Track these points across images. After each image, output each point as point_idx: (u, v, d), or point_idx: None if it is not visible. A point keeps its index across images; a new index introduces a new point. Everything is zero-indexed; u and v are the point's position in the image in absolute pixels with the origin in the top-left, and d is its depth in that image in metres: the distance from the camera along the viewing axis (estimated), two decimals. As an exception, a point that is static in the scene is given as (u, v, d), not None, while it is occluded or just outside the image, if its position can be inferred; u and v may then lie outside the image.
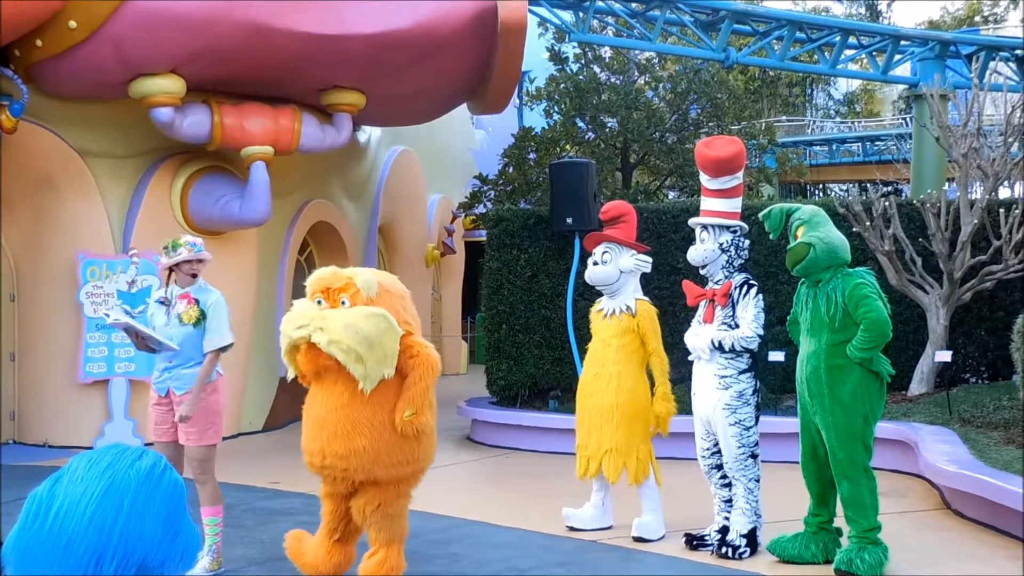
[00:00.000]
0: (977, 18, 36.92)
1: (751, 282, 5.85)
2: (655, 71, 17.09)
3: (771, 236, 5.85)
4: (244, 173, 9.81)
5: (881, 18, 38.26)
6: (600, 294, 6.51)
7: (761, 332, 5.75)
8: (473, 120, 19.60)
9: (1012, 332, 7.85)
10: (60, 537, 1.26)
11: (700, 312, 5.97)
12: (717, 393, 5.76)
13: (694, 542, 5.88)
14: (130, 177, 10.04)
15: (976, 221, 9.17)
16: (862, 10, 38.90)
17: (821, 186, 33.38)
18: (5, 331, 10.09)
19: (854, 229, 9.13)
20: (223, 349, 5.53)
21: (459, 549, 5.95)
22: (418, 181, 15.91)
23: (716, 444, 5.83)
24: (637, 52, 16.69)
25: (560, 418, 9.55)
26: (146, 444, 6.09)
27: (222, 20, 8.68)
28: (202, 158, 10.11)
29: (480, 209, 15.22)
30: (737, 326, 5.76)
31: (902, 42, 16.89)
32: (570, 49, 16.65)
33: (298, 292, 12.02)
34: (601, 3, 15.07)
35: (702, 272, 6.01)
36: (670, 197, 17.56)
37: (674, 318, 8.94)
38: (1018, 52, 16.71)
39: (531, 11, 13.09)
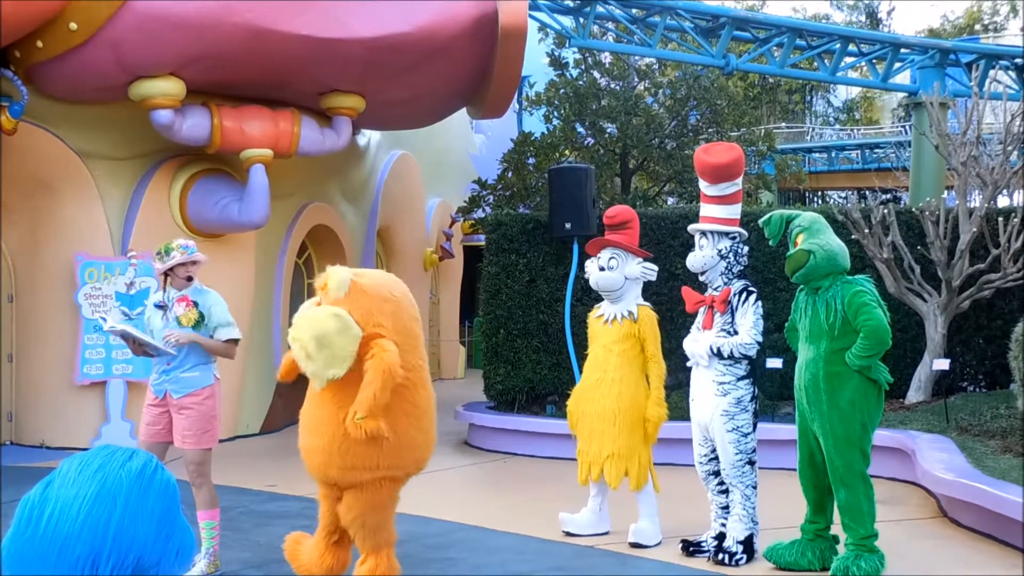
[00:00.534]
0: (977, 26, 36.99)
1: (750, 289, 5.85)
2: (655, 77, 17.09)
3: (771, 242, 5.85)
4: (243, 176, 9.81)
5: (881, 26, 38.33)
6: (599, 299, 6.50)
7: (760, 339, 5.75)
8: (472, 124, 19.60)
9: (1010, 341, 7.86)
10: (55, 540, 1.26)
11: (699, 318, 5.97)
12: (715, 399, 5.76)
13: (690, 548, 5.87)
14: (129, 179, 10.04)
15: (975, 229, 9.18)
16: (862, 17, 38.98)
17: (820, 193, 33.40)
18: (3, 332, 10.08)
19: (853, 237, 9.14)
20: (235, 342, 5.59)
21: (456, 554, 5.94)
22: (417, 185, 15.91)
23: (714, 450, 5.83)
24: (637, 58, 16.70)
25: (557, 423, 9.54)
26: (163, 456, 6.10)
27: (222, 23, 8.69)
28: (201, 160, 10.11)
29: (479, 213, 15.21)
30: (736, 332, 5.76)
31: (902, 50, 16.92)
32: (570, 54, 16.65)
33: (296, 295, 12.06)
34: (601, 9, 15.08)
35: (701, 279, 6.01)
36: (669, 203, 17.57)
37: (672, 324, 8.94)
38: (1018, 61, 16.73)
39: (531, 16, 13.11)
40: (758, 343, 5.74)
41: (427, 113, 12.02)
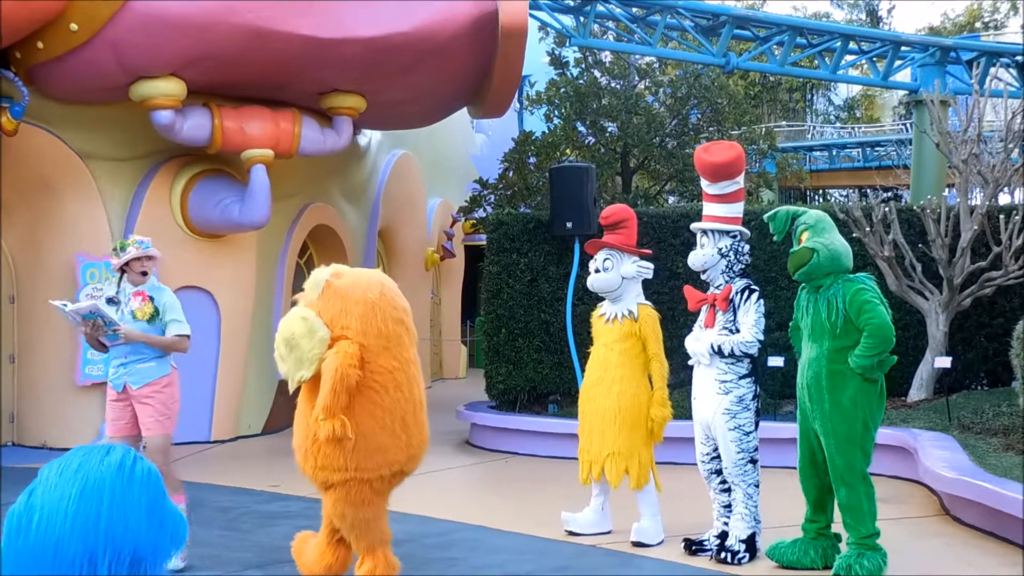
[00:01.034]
0: (978, 24, 36.96)
1: (752, 287, 5.84)
2: (655, 76, 17.09)
3: (775, 238, 5.85)
4: (244, 176, 9.81)
5: (882, 24, 38.31)
6: (601, 298, 6.51)
7: (761, 337, 5.75)
8: (473, 124, 19.61)
9: (1012, 338, 7.85)
10: (47, 544, 1.26)
11: (701, 317, 5.97)
12: (717, 398, 5.75)
13: (693, 547, 5.87)
14: (130, 179, 10.04)
15: (976, 227, 9.17)
16: (863, 16, 38.96)
17: (821, 191, 33.38)
18: (4, 333, 10.08)
19: (854, 235, 9.13)
20: (186, 337, 5.82)
21: (457, 553, 5.94)
22: (418, 185, 15.91)
23: (716, 449, 5.82)
24: (637, 57, 16.69)
25: (559, 422, 9.55)
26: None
27: (222, 23, 8.69)
28: (202, 161, 10.11)
29: (480, 213, 15.21)
30: (738, 331, 5.76)
31: (902, 48, 16.91)
32: (570, 53, 16.65)
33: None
34: (602, 8, 15.08)
35: (703, 277, 6.01)
36: (670, 202, 17.56)
37: (674, 323, 8.93)
38: (1018, 58, 16.73)
39: (532, 15, 13.11)
40: (759, 341, 5.74)
41: (428, 113, 12.02)
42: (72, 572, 1.26)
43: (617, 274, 6.25)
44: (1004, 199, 10.93)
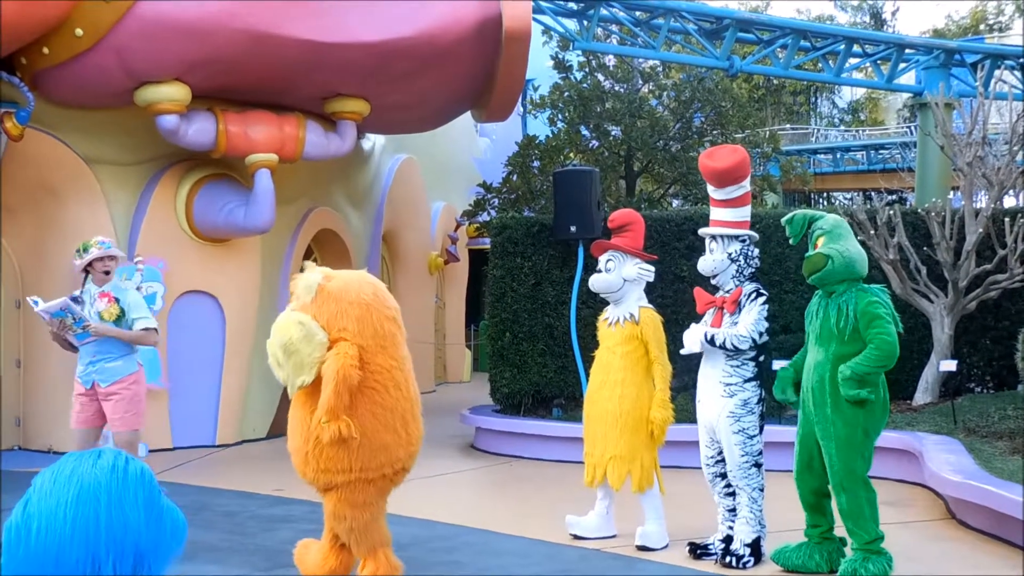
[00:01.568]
0: (982, 26, 36.94)
1: (761, 291, 5.85)
2: (659, 79, 17.10)
3: (791, 241, 5.84)
4: (248, 180, 9.82)
5: (886, 26, 38.30)
6: (605, 302, 6.51)
7: (756, 335, 5.70)
8: (477, 128, 19.62)
9: (1017, 341, 7.84)
10: (48, 551, 1.26)
11: (707, 318, 5.96)
12: (722, 401, 5.74)
13: (698, 551, 5.86)
14: (135, 184, 10.06)
15: (981, 230, 9.16)
16: (866, 18, 38.95)
17: (825, 194, 33.37)
18: (10, 337, 10.10)
19: (859, 238, 9.12)
20: (153, 330, 6.05)
21: (461, 557, 5.94)
22: (421, 189, 15.92)
23: (720, 452, 5.82)
24: (641, 60, 16.70)
25: (563, 426, 9.54)
26: (96, 439, 6.28)
27: (226, 28, 8.71)
28: (207, 165, 10.13)
29: (484, 217, 15.22)
30: (738, 328, 5.76)
31: (907, 50, 16.91)
32: (574, 57, 16.66)
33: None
34: (605, 11, 15.10)
35: (713, 282, 6.00)
36: (674, 205, 17.55)
37: (678, 327, 8.86)
38: (1023, 60, 16.70)
39: (535, 19, 13.12)
40: (754, 340, 5.70)
41: (431, 117, 12.03)
42: (77, 575, 1.26)
43: (618, 275, 6.25)
44: (1009, 202, 10.90)
